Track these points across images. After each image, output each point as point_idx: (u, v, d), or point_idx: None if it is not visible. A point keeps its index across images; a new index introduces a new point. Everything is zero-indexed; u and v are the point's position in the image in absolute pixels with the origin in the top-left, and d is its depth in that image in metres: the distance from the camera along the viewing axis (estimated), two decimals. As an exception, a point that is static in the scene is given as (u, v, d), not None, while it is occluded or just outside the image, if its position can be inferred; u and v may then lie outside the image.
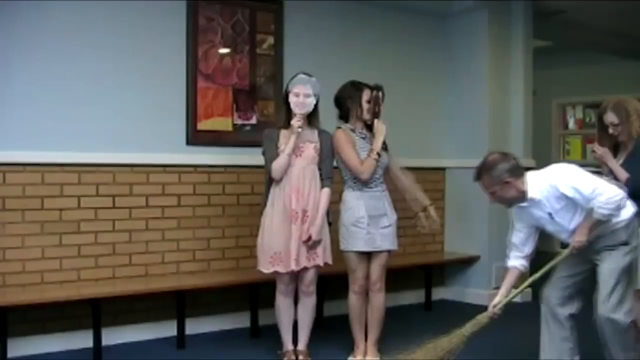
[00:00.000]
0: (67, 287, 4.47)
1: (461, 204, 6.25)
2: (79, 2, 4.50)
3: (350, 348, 4.31)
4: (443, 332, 5.09)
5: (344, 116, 4.23)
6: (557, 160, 9.61)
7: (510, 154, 3.56)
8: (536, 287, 3.69)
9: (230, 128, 5.11)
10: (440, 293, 6.25)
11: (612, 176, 3.85)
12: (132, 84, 4.72)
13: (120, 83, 4.67)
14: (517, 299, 6.12)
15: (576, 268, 3.60)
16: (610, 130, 3.91)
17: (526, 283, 3.59)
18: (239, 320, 5.08)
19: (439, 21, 6.29)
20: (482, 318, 3.54)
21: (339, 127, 4.21)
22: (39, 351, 4.41)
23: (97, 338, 4.34)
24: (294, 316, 4.23)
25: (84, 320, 4.49)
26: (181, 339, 4.67)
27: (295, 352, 4.21)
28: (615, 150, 3.97)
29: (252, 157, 4.65)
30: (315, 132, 4.14)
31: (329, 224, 4.17)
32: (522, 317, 5.64)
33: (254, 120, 5.20)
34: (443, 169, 6.27)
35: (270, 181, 4.10)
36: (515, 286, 3.68)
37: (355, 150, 4.11)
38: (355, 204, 4.12)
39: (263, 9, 5.24)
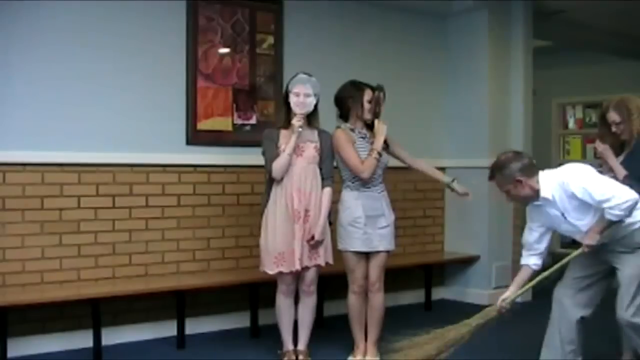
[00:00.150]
0: (67, 287, 4.47)
1: (461, 204, 6.22)
2: (79, 2, 4.50)
3: (350, 348, 4.31)
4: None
5: (344, 116, 4.23)
6: (557, 160, 9.63)
7: (523, 152, 3.57)
8: (536, 287, 3.66)
9: (230, 128, 5.11)
10: (440, 293, 6.25)
11: (612, 174, 3.86)
12: (132, 83, 4.72)
13: (120, 83, 4.67)
14: (518, 299, 6.16)
15: (591, 269, 3.59)
16: (613, 129, 3.92)
17: (536, 280, 3.57)
18: (239, 320, 5.08)
19: (439, 21, 6.29)
20: (490, 311, 3.55)
21: (339, 127, 4.21)
22: (38, 351, 4.41)
23: (97, 338, 4.34)
24: (294, 316, 4.23)
25: (83, 320, 4.49)
26: (181, 338, 4.67)
27: (296, 352, 4.21)
28: (621, 148, 3.98)
29: (252, 157, 4.64)
30: (315, 132, 4.14)
31: (330, 223, 4.17)
32: (522, 316, 5.64)
33: (253, 120, 5.20)
34: (443, 168, 6.22)
35: (270, 181, 4.10)
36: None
37: (355, 149, 4.11)
38: (353, 203, 4.12)
39: (263, 8, 5.24)
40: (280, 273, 4.06)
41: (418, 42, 6.19)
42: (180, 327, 4.67)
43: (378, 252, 4.16)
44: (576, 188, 3.30)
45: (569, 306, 3.60)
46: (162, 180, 4.85)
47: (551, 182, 3.37)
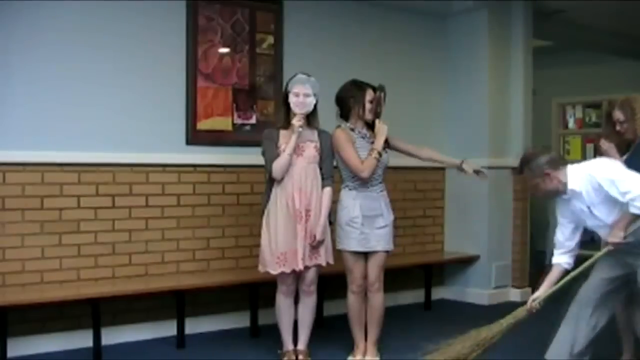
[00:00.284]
0: (67, 286, 4.47)
1: (461, 204, 6.25)
2: (79, 2, 4.50)
3: (350, 348, 4.31)
4: (443, 332, 5.11)
5: (345, 115, 4.23)
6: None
7: (550, 148, 3.57)
8: (565, 287, 3.62)
9: (230, 128, 5.11)
10: (439, 293, 6.25)
11: None
12: (131, 83, 4.72)
13: (120, 83, 4.67)
14: (517, 299, 6.18)
15: (616, 271, 3.53)
16: (617, 127, 3.93)
17: (565, 280, 3.55)
18: (239, 320, 5.08)
19: (439, 21, 6.29)
20: (521, 311, 3.55)
21: (339, 126, 4.21)
22: (38, 351, 4.41)
23: (97, 338, 4.34)
24: (294, 316, 4.23)
25: (83, 320, 4.49)
26: (181, 338, 4.67)
27: (295, 351, 4.21)
28: (627, 148, 3.99)
29: (252, 156, 4.64)
30: (315, 132, 4.14)
31: (330, 223, 4.17)
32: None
33: (253, 120, 5.20)
34: (443, 169, 6.26)
35: (270, 181, 4.10)
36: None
37: (355, 149, 4.11)
38: (351, 203, 4.12)
39: (263, 8, 5.24)
40: (282, 273, 4.06)
41: (418, 42, 6.19)
42: (180, 327, 4.67)
43: (376, 252, 4.15)
44: (602, 180, 3.31)
45: (594, 308, 3.55)
46: (162, 180, 4.85)
47: (579, 174, 3.38)
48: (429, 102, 6.25)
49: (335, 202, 4.21)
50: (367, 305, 4.22)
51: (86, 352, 4.38)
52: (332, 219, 4.17)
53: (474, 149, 6.02)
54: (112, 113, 4.64)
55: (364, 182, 4.12)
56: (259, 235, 4.15)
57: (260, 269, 4.15)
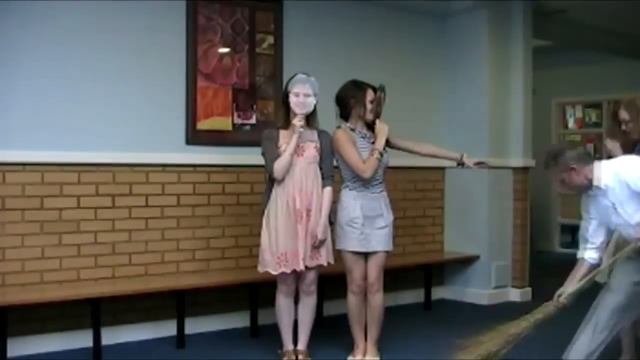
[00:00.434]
0: (67, 286, 4.47)
1: (461, 204, 6.25)
2: (79, 2, 4.50)
3: (350, 347, 4.31)
4: (443, 332, 5.13)
5: (345, 115, 4.23)
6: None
7: (577, 143, 3.56)
8: (591, 282, 3.59)
9: (229, 127, 5.11)
10: (439, 292, 6.25)
11: None
12: (131, 83, 4.72)
13: (120, 82, 4.67)
14: (517, 299, 6.18)
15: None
16: (622, 127, 3.94)
17: (591, 275, 3.53)
18: (239, 320, 5.09)
19: (438, 21, 6.29)
20: (548, 306, 3.52)
21: (339, 127, 4.21)
22: (38, 351, 4.41)
23: (97, 338, 4.34)
24: (294, 316, 4.23)
25: (83, 319, 4.49)
26: (181, 338, 4.67)
27: (295, 351, 4.21)
28: (632, 148, 3.99)
29: (252, 156, 4.64)
30: (315, 132, 4.14)
31: (331, 223, 4.17)
32: (521, 316, 5.64)
33: (253, 120, 5.20)
34: (443, 168, 6.27)
35: (271, 181, 4.10)
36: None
37: (356, 149, 4.11)
38: (351, 203, 4.12)
39: (263, 8, 5.24)
40: (282, 273, 4.06)
41: (418, 41, 6.19)
42: (180, 327, 4.67)
43: (376, 252, 4.16)
44: (629, 177, 3.30)
45: (618, 324, 3.48)
46: (162, 180, 4.85)
47: (605, 171, 3.37)
48: (429, 102, 6.25)
49: (334, 202, 4.21)
50: (367, 305, 4.22)
51: (86, 352, 4.38)
52: (332, 219, 4.17)
53: (474, 148, 6.00)
54: (112, 113, 4.64)
55: (364, 183, 4.12)
56: (258, 235, 4.15)
57: (260, 269, 4.14)
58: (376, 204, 4.17)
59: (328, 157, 4.17)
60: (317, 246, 4.06)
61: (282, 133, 4.08)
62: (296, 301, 4.24)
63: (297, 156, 4.04)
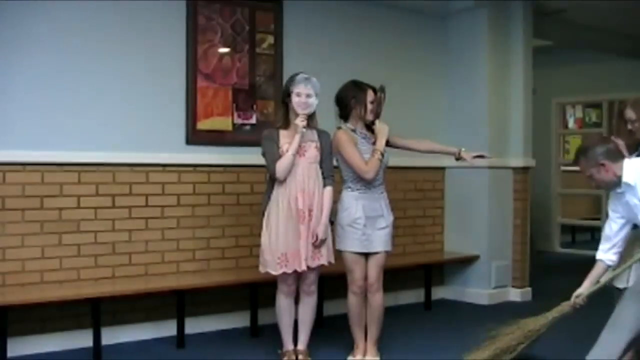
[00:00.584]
0: (67, 286, 4.47)
1: (461, 204, 6.25)
2: (80, 2, 4.50)
3: (350, 347, 4.31)
4: (443, 332, 5.13)
5: (345, 116, 4.22)
6: (557, 160, 9.64)
7: (609, 138, 3.55)
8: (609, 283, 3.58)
9: (230, 127, 5.11)
10: (439, 292, 6.25)
11: None
12: (131, 83, 4.72)
13: (120, 82, 4.67)
14: (517, 299, 6.18)
15: None
16: (629, 126, 3.94)
17: (609, 276, 3.52)
18: (239, 320, 5.09)
19: (439, 21, 6.30)
20: (565, 306, 3.52)
21: (340, 127, 4.21)
22: (38, 350, 4.41)
23: (97, 337, 4.34)
24: (294, 316, 4.23)
25: (83, 319, 4.49)
26: (181, 338, 4.67)
27: (296, 351, 4.21)
28: (637, 148, 3.98)
29: (252, 156, 4.64)
30: (315, 132, 4.14)
31: (331, 222, 4.17)
32: (523, 317, 5.64)
33: (253, 120, 5.20)
34: (443, 168, 6.27)
35: (271, 181, 4.09)
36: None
37: (358, 150, 4.11)
38: (353, 204, 4.12)
39: (262, 8, 5.24)
40: (283, 274, 4.06)
41: (418, 41, 6.19)
42: (180, 327, 4.67)
43: (377, 252, 4.16)
44: None
45: None
46: (162, 179, 4.85)
47: (635, 168, 3.35)
48: (429, 102, 6.26)
49: (335, 202, 4.20)
50: (367, 305, 4.22)
51: (86, 352, 4.38)
52: (332, 219, 4.17)
53: (474, 148, 5.93)
54: (112, 113, 4.64)
55: (366, 183, 4.12)
56: (259, 235, 4.15)
57: (261, 269, 4.14)
58: (377, 205, 4.17)
59: (328, 157, 4.17)
60: (317, 246, 4.06)
61: (283, 133, 4.07)
62: (296, 301, 4.24)
63: (298, 156, 4.03)
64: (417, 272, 5.93)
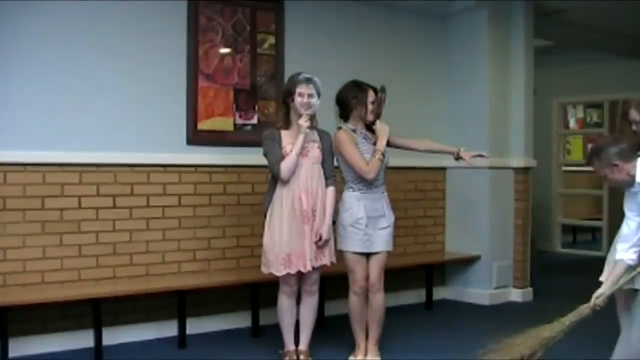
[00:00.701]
0: (68, 286, 4.47)
1: (461, 204, 6.25)
2: (80, 2, 4.50)
3: (351, 348, 4.31)
4: (444, 332, 5.13)
5: (345, 116, 4.23)
6: (558, 160, 9.64)
7: (622, 138, 3.53)
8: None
9: (231, 128, 5.11)
10: (440, 293, 6.25)
11: None
12: (132, 83, 4.72)
13: (121, 82, 4.67)
14: (519, 299, 6.18)
15: None
16: (633, 127, 3.93)
17: (628, 276, 3.50)
18: (240, 320, 5.09)
19: (439, 21, 6.30)
20: (584, 309, 3.48)
21: (340, 127, 4.21)
22: (39, 351, 4.41)
23: (98, 338, 4.34)
24: (296, 316, 4.23)
25: (84, 320, 4.49)
26: (182, 338, 4.67)
27: (297, 352, 4.21)
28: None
29: (253, 156, 4.64)
30: (315, 132, 4.15)
31: (333, 222, 4.18)
32: (523, 316, 5.65)
33: (254, 120, 5.20)
34: (443, 168, 6.27)
35: (274, 182, 4.09)
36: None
37: (359, 150, 4.11)
38: (355, 204, 4.12)
39: (263, 8, 5.24)
40: (287, 274, 4.05)
41: (418, 42, 6.19)
42: (181, 327, 4.67)
43: (378, 252, 4.16)
44: None
45: None
46: (163, 180, 4.85)
47: None
48: (429, 102, 6.26)
49: (336, 202, 4.20)
50: (368, 305, 4.22)
51: (87, 352, 4.38)
52: (334, 219, 4.17)
53: (475, 149, 5.93)
54: (113, 113, 4.65)
55: (367, 184, 4.12)
56: (260, 235, 4.15)
57: (264, 270, 4.14)
58: (379, 205, 4.17)
59: (329, 157, 4.18)
60: (321, 246, 4.06)
61: (284, 133, 4.07)
62: (297, 301, 4.24)
63: (302, 157, 4.03)
64: (418, 272, 5.93)
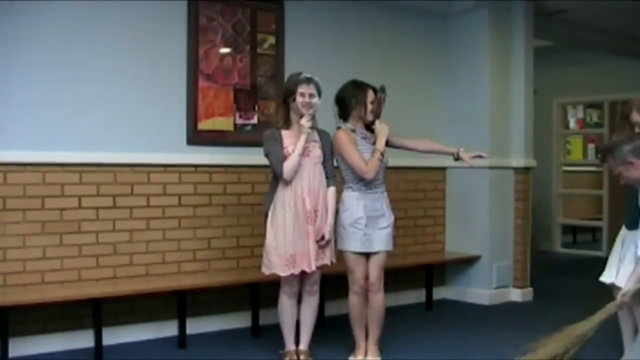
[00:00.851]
0: (68, 287, 4.47)
1: (462, 204, 6.25)
2: (80, 2, 4.50)
3: (351, 348, 4.31)
4: (444, 332, 5.13)
5: (344, 115, 4.23)
6: (558, 160, 9.65)
7: (636, 136, 3.53)
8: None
9: (231, 128, 5.11)
10: (441, 293, 6.25)
11: None
12: (132, 83, 4.72)
13: (121, 83, 4.67)
14: (519, 299, 6.18)
15: None
16: (636, 129, 3.92)
17: None
18: (240, 320, 5.09)
19: (439, 21, 6.30)
20: (611, 306, 3.48)
21: (339, 127, 4.21)
22: (39, 351, 4.41)
23: (98, 338, 4.34)
24: (296, 316, 4.24)
25: (84, 320, 4.49)
26: (182, 338, 4.67)
27: (297, 352, 4.21)
28: None
29: (253, 156, 4.64)
30: (315, 132, 4.15)
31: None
32: (523, 316, 5.65)
33: (254, 120, 5.20)
34: (444, 168, 6.27)
35: (275, 182, 4.09)
36: None
37: (358, 150, 4.11)
38: (354, 204, 4.12)
39: (264, 8, 5.24)
40: (290, 275, 4.05)
41: (419, 42, 6.19)
42: (181, 327, 4.67)
43: (377, 252, 4.16)
44: None
45: None
46: (163, 180, 4.85)
47: None
48: (429, 102, 6.26)
49: (336, 202, 4.20)
50: (368, 305, 4.21)
51: (87, 352, 4.38)
52: (335, 218, 4.17)
53: (475, 148, 5.93)
54: (113, 113, 4.65)
55: (366, 183, 4.12)
56: (260, 235, 4.15)
57: (265, 271, 4.13)
58: (378, 205, 4.17)
59: (330, 157, 4.18)
60: (323, 246, 4.07)
61: (285, 133, 4.07)
62: (298, 301, 4.23)
63: (303, 157, 4.03)
64: (418, 272, 5.93)
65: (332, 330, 4.87)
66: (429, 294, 5.92)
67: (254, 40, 5.21)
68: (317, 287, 4.21)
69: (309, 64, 4.76)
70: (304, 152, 4.03)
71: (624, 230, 3.98)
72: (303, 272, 4.07)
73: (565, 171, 9.84)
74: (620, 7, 6.42)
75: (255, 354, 4.50)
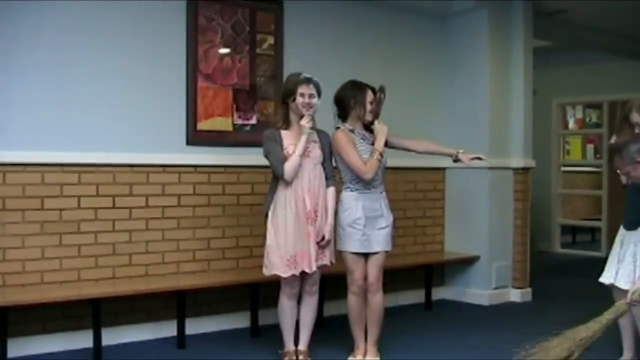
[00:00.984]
0: (67, 287, 4.47)
1: (461, 204, 6.25)
2: (80, 2, 4.50)
3: (351, 348, 4.31)
4: (443, 332, 5.13)
5: (343, 116, 4.23)
6: (557, 161, 9.65)
7: None
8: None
9: (230, 128, 5.11)
10: (440, 293, 6.25)
11: None
12: (131, 84, 4.72)
13: (120, 83, 4.67)
14: (518, 300, 6.18)
15: None
16: (636, 130, 3.93)
17: None
18: (239, 320, 5.09)
19: (439, 21, 6.30)
20: (620, 305, 3.47)
21: (338, 127, 4.21)
22: (39, 351, 4.41)
23: (98, 338, 4.34)
24: (296, 317, 4.23)
25: (84, 320, 4.49)
26: (181, 339, 4.67)
27: (296, 352, 4.21)
28: None
29: (253, 157, 4.64)
30: (315, 132, 4.15)
31: (332, 222, 4.18)
32: (523, 316, 5.65)
33: (254, 120, 5.20)
34: (443, 168, 6.27)
35: (275, 182, 4.09)
36: None
37: (357, 150, 4.11)
38: (353, 204, 4.12)
39: (263, 8, 5.24)
40: (291, 275, 4.05)
41: (418, 42, 6.19)
42: (181, 327, 4.67)
43: (376, 252, 4.16)
44: None
45: None
46: (162, 180, 4.85)
47: None
48: (429, 102, 6.26)
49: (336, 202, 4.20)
50: (367, 305, 4.21)
51: (87, 353, 4.38)
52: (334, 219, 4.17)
53: (474, 149, 5.94)
54: (112, 113, 4.64)
55: (365, 184, 4.12)
56: (259, 235, 4.15)
57: (266, 272, 4.12)
58: (377, 205, 4.17)
59: (329, 157, 4.18)
60: (323, 246, 4.07)
61: (285, 134, 4.07)
62: (297, 301, 4.23)
63: (304, 157, 4.03)
64: (417, 272, 5.93)
65: (332, 330, 4.87)
66: (428, 294, 5.92)
67: (253, 40, 5.21)
68: (316, 288, 4.21)
69: (309, 64, 4.76)
70: (304, 153, 4.03)
71: (622, 231, 3.98)
72: (303, 273, 4.07)
73: (564, 171, 9.85)
74: (620, 7, 6.42)
75: (254, 354, 4.50)
